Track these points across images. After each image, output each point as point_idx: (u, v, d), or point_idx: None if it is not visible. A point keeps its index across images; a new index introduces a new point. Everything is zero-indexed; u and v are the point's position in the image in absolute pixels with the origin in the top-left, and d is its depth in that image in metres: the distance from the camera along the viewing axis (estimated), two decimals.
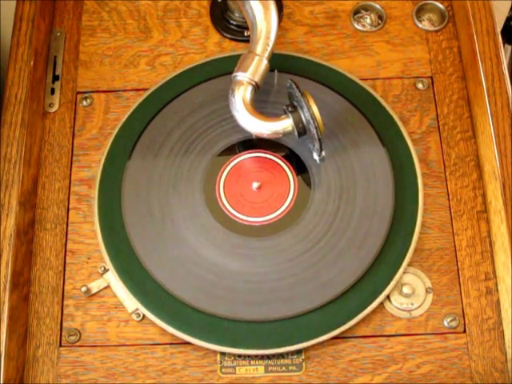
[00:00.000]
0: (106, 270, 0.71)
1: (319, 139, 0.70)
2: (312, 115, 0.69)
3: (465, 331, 0.68)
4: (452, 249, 0.71)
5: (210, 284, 0.69)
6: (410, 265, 0.70)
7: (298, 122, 0.70)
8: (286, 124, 0.71)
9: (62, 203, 0.74)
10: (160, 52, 0.82)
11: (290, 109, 0.71)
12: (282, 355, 0.68)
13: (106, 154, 0.75)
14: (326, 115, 0.75)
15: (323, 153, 0.73)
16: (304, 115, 0.70)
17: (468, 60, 0.77)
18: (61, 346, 0.69)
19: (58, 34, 0.83)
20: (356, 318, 0.67)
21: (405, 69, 0.80)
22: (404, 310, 0.69)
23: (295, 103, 0.71)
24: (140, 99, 0.78)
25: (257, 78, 0.72)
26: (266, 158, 0.75)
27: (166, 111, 0.77)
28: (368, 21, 0.83)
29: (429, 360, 0.67)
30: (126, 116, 0.77)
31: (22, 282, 0.70)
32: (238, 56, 0.74)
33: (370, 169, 0.73)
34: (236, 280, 0.69)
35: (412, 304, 0.69)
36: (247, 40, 0.76)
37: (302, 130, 0.71)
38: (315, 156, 0.74)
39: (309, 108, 0.69)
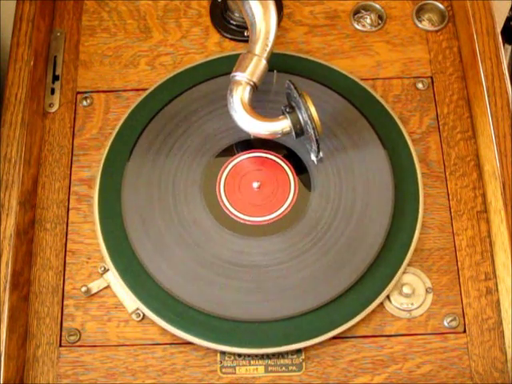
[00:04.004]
0: (106, 270, 0.71)
1: (317, 140, 0.70)
2: (310, 116, 0.69)
3: (465, 331, 0.68)
4: (452, 249, 0.71)
5: (209, 284, 0.69)
6: (409, 265, 0.70)
7: (295, 123, 0.70)
8: (283, 125, 0.71)
9: (61, 203, 0.74)
10: (160, 52, 0.82)
11: (287, 109, 0.71)
12: (282, 355, 0.68)
13: (105, 153, 0.75)
14: (326, 115, 0.75)
15: (321, 154, 0.73)
16: (302, 116, 0.70)
17: (468, 60, 0.77)
18: (61, 346, 0.69)
19: (58, 34, 0.83)
20: (356, 318, 0.67)
21: (405, 69, 0.80)
22: (404, 310, 0.69)
23: (293, 104, 0.71)
24: (140, 99, 0.78)
25: (255, 79, 0.72)
26: (266, 157, 0.75)
27: (166, 111, 0.77)
28: (368, 21, 0.83)
29: (429, 360, 0.67)
30: (126, 116, 0.77)
31: (22, 282, 0.70)
32: (238, 56, 0.74)
33: (369, 169, 0.73)
34: (236, 280, 0.69)
35: (412, 304, 0.69)
36: (247, 40, 0.76)
37: (299, 131, 0.71)
38: (313, 157, 0.74)
39: (306, 109, 0.69)
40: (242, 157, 0.75)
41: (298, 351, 0.68)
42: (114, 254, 0.70)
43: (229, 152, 0.75)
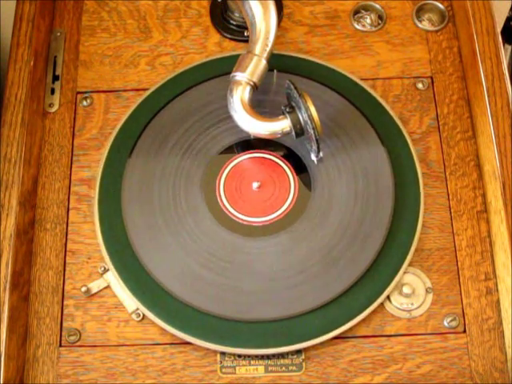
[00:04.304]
0: (106, 270, 0.71)
1: (317, 140, 0.70)
2: (310, 116, 0.69)
3: (465, 331, 0.68)
4: (452, 249, 0.71)
5: (210, 284, 0.69)
6: (410, 265, 0.70)
7: (295, 123, 0.70)
8: (283, 125, 0.71)
9: (62, 203, 0.74)
10: (160, 52, 0.82)
11: (287, 109, 0.71)
12: (282, 355, 0.68)
13: (106, 153, 0.75)
14: (326, 115, 0.75)
15: (321, 154, 0.73)
16: (302, 116, 0.70)
17: (468, 60, 0.77)
18: (61, 346, 0.69)
19: (58, 34, 0.83)
20: (356, 318, 0.67)
21: (405, 69, 0.80)
22: (404, 310, 0.69)
23: (293, 104, 0.71)
24: (140, 99, 0.78)
25: (255, 79, 0.72)
26: (266, 157, 0.75)
27: (166, 111, 0.77)
28: (368, 21, 0.83)
29: (429, 360, 0.67)
30: (126, 116, 0.77)
31: (22, 282, 0.70)
32: (238, 56, 0.74)
33: (369, 169, 0.73)
34: (236, 280, 0.69)
35: (412, 304, 0.69)
36: (247, 40, 0.76)
37: (299, 131, 0.71)
38: (313, 157, 0.74)
39: (306, 109, 0.69)
40: (242, 157, 0.75)
41: (298, 351, 0.68)
42: (113, 254, 0.70)
43: (229, 152, 0.75)
